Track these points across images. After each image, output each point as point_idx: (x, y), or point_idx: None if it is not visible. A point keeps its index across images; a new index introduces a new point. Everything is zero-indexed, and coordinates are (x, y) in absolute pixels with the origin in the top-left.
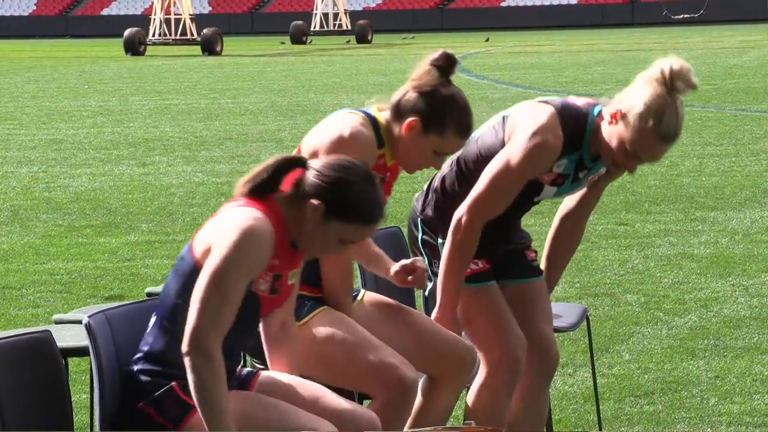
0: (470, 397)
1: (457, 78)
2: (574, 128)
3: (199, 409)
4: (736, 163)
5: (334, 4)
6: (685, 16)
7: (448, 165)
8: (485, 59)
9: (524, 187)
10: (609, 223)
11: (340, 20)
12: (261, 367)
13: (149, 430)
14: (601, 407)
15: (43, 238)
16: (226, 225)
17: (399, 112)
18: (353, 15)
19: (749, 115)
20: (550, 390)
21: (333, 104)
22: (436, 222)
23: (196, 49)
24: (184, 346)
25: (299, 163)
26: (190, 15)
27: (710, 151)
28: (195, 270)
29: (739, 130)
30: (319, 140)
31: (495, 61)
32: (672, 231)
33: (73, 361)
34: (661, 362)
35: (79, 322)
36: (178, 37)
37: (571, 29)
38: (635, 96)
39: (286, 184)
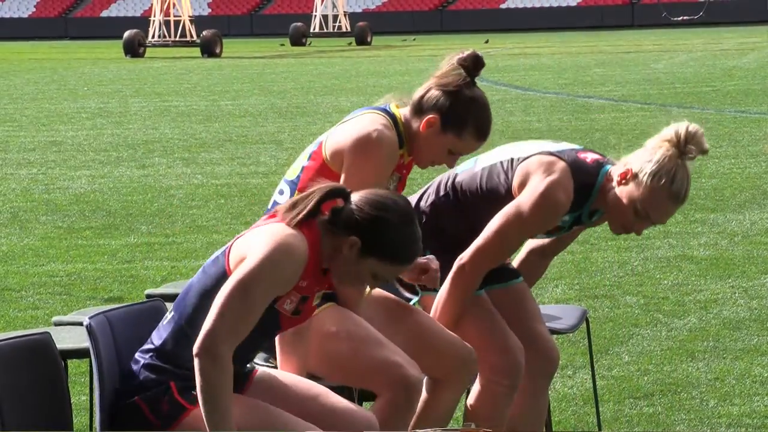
0: (470, 401)
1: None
2: (583, 187)
3: (203, 411)
4: (735, 165)
5: (334, 6)
6: (685, 18)
7: (436, 187)
8: (485, 61)
9: None
10: None
11: (340, 22)
12: (265, 364)
13: (140, 425)
14: (600, 409)
15: (42, 240)
16: (263, 237)
17: (420, 108)
18: (353, 17)
19: (749, 117)
20: (549, 391)
21: (332, 106)
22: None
23: (196, 51)
24: (197, 347)
25: (341, 194)
26: (189, 17)
27: (710, 153)
28: (224, 276)
29: (739, 132)
30: (343, 140)
31: (495, 62)
32: (671, 233)
33: (72, 363)
34: (660, 364)
35: (79, 323)
36: (177, 38)
37: (571, 31)
38: (647, 156)
39: (326, 209)
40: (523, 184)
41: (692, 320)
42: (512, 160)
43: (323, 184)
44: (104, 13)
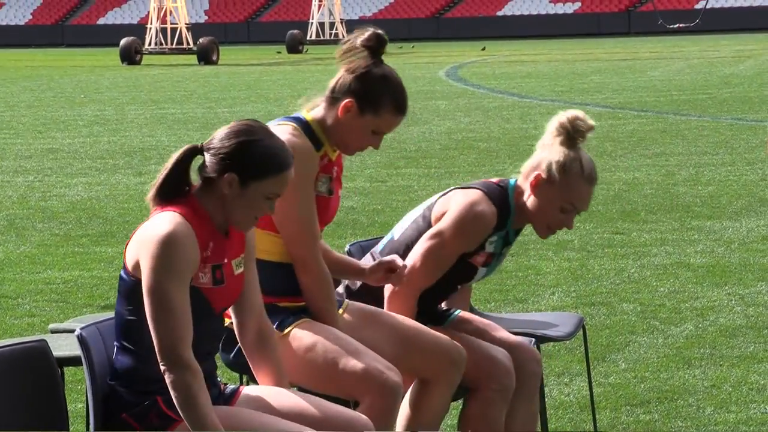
0: (463, 410)
1: (453, 87)
2: (501, 204)
3: (184, 417)
4: (732, 173)
5: (331, 14)
6: (681, 25)
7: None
8: (482, 68)
9: (460, 271)
10: (605, 232)
11: (337, 29)
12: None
13: None
14: (597, 416)
15: (39, 248)
16: (146, 238)
17: (334, 97)
18: (349, 24)
19: (745, 124)
20: (546, 399)
21: None
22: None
23: (193, 59)
24: (161, 366)
25: (197, 151)
26: (186, 24)
27: (706, 160)
28: (133, 284)
29: (735, 140)
30: None
31: (491, 70)
32: (668, 240)
33: (69, 371)
34: (657, 371)
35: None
36: (174, 46)
37: (568, 38)
38: (547, 156)
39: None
40: (443, 214)
41: (689, 327)
42: (427, 207)
43: (176, 153)
44: (101, 21)
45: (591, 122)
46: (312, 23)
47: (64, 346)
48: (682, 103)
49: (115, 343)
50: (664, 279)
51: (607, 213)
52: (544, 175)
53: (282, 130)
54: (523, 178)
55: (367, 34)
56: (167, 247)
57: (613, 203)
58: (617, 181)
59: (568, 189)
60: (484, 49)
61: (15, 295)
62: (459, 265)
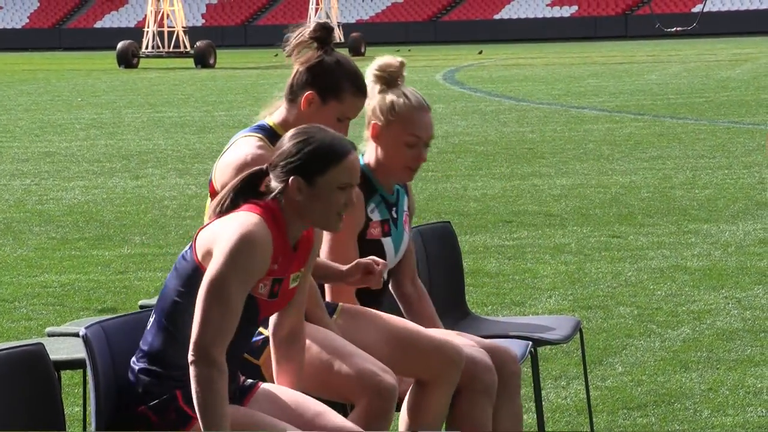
0: (450, 412)
1: (450, 90)
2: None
3: (198, 414)
4: (729, 176)
5: (328, 17)
6: (678, 29)
7: None
8: (478, 72)
9: (367, 252)
10: (602, 235)
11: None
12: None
13: None
14: (594, 420)
15: (35, 251)
16: (226, 229)
17: (294, 94)
18: (346, 27)
19: (742, 127)
20: (543, 402)
21: None
22: None
23: (189, 62)
24: (190, 356)
25: (262, 173)
26: (183, 28)
27: (703, 164)
28: (196, 270)
29: (732, 143)
30: (226, 175)
31: (488, 73)
32: (665, 243)
33: (66, 374)
34: (654, 375)
35: (73, 334)
36: (171, 49)
37: (565, 42)
38: (374, 107)
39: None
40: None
41: (686, 331)
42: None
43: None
44: (98, 24)
45: (399, 59)
46: (309, 27)
47: (61, 350)
48: (679, 106)
49: (152, 319)
50: (661, 282)
51: (604, 216)
52: (379, 122)
53: (248, 143)
54: (366, 139)
55: (312, 26)
56: (245, 247)
57: (610, 206)
58: (614, 184)
59: (404, 123)
60: (481, 52)
61: (12, 298)
62: (361, 246)
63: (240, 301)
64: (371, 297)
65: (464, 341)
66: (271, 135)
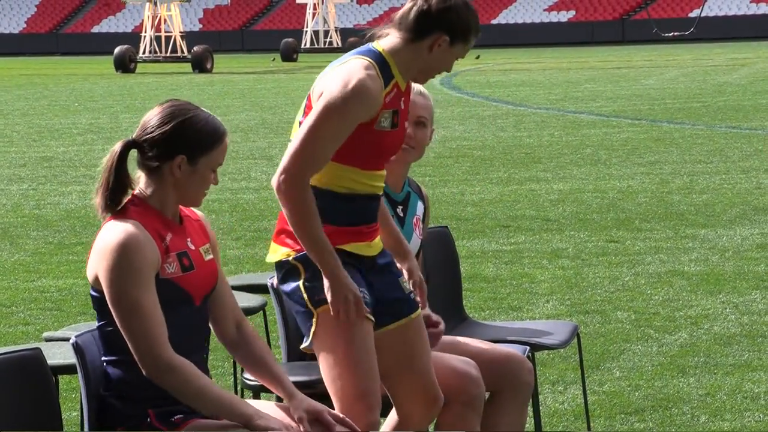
0: (436, 425)
1: (448, 95)
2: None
3: (196, 409)
4: (726, 181)
5: (325, 22)
6: (675, 33)
7: None
8: (476, 76)
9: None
10: (600, 240)
11: (331, 38)
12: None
13: None
14: (591, 425)
15: (33, 256)
16: (99, 251)
17: (413, 29)
18: (344, 32)
19: (739, 132)
20: (540, 407)
21: None
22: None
23: (187, 67)
24: (146, 375)
25: (132, 145)
26: (180, 32)
27: (700, 169)
28: (100, 297)
29: (730, 148)
30: (328, 87)
31: (486, 78)
32: (662, 248)
33: (63, 379)
34: (651, 380)
35: (69, 339)
36: (168, 54)
37: (562, 47)
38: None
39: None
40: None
41: (683, 336)
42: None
43: (107, 158)
44: (95, 29)
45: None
46: (306, 31)
47: (58, 355)
48: (676, 111)
49: (102, 359)
50: (658, 287)
51: (602, 221)
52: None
53: (358, 65)
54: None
55: None
56: (121, 254)
57: (608, 211)
58: (611, 189)
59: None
60: (478, 57)
61: (9, 303)
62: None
63: (147, 299)
64: None
65: (496, 346)
66: (381, 62)
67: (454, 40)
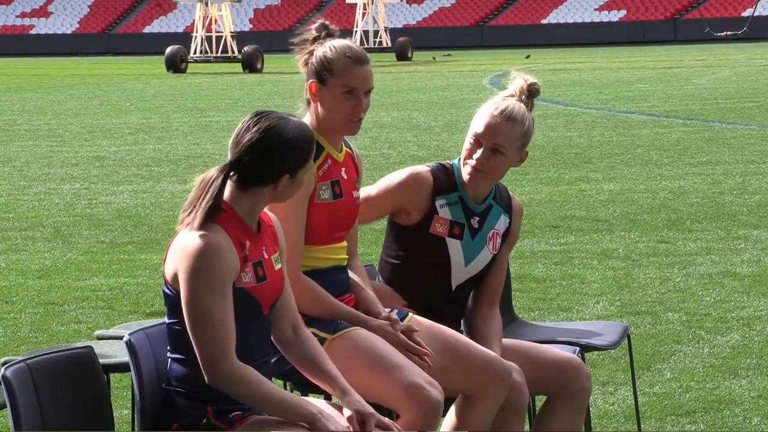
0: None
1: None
2: (443, 171)
3: (265, 413)
4: None
5: (375, 22)
6: (728, 33)
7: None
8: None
9: (425, 246)
10: (650, 240)
11: (381, 38)
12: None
13: None
14: (642, 426)
15: (85, 255)
16: (182, 251)
17: (306, 100)
18: (393, 32)
19: None
20: (590, 408)
21: (373, 122)
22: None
23: (237, 67)
24: (208, 382)
25: (229, 171)
26: (231, 33)
27: (753, 169)
28: (175, 296)
29: None
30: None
31: (535, 78)
32: (714, 249)
33: (115, 377)
34: (702, 381)
35: (121, 338)
36: (219, 54)
37: (613, 46)
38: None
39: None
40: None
41: (735, 337)
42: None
43: (209, 173)
44: (147, 29)
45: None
46: (356, 31)
47: (110, 353)
48: (729, 111)
49: (168, 354)
50: (709, 288)
51: (653, 222)
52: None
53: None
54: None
55: (312, 26)
56: (203, 259)
57: (659, 212)
58: (663, 189)
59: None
60: (528, 57)
61: (61, 301)
62: (423, 238)
63: (223, 309)
64: (435, 310)
65: (553, 352)
66: None
67: (322, 79)
